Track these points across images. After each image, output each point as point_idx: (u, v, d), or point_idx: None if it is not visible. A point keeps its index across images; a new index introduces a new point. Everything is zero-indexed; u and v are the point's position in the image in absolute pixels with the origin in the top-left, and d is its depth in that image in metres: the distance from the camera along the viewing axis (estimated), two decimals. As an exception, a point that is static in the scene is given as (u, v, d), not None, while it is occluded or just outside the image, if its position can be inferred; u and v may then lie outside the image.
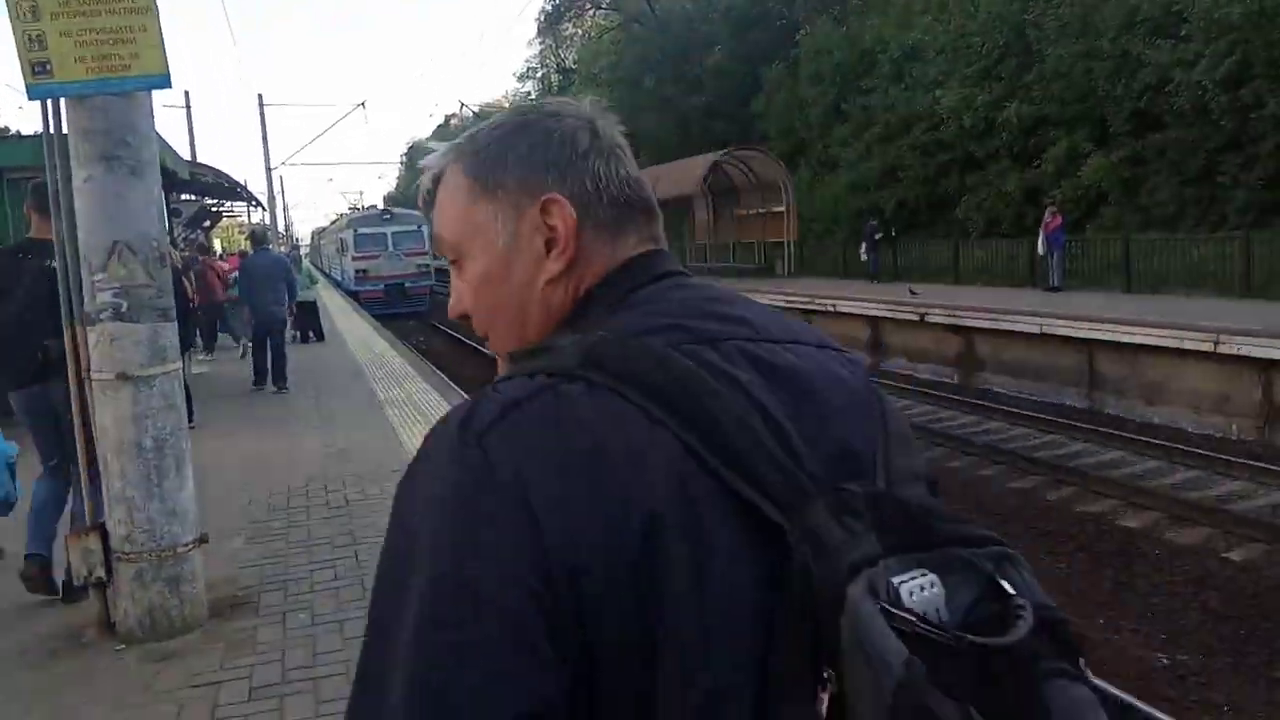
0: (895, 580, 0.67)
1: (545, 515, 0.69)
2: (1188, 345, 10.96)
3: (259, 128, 37.62)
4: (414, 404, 9.90)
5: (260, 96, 36.72)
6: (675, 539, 0.70)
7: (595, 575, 0.69)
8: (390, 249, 29.70)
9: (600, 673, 0.70)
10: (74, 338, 4.33)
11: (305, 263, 19.46)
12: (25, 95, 3.99)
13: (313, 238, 61.65)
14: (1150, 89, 18.54)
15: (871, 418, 0.85)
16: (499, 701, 0.66)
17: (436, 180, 0.93)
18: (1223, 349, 10.56)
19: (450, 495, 0.71)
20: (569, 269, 0.86)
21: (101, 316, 4.13)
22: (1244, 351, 10.37)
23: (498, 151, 0.88)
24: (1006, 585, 0.71)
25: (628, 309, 0.84)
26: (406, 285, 29.75)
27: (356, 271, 29.97)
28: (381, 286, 29.36)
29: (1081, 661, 0.71)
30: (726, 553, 0.71)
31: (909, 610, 0.66)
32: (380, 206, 42.46)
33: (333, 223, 44.01)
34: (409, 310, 28.96)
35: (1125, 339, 11.89)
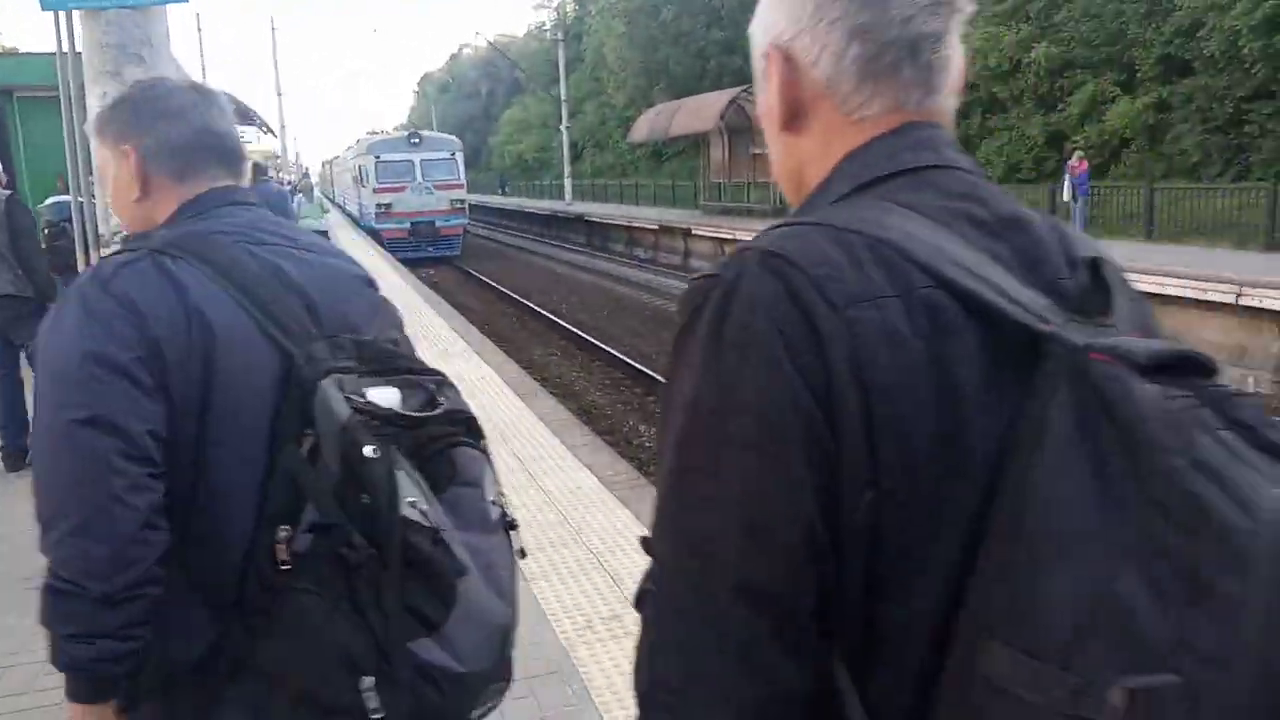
0: (366, 387, 1.24)
1: (146, 310, 1.21)
2: (1210, 296, 10.83)
3: (270, 53, 37.02)
4: (428, 335, 9.87)
5: (272, 20, 36.15)
6: (228, 343, 1.24)
7: (173, 350, 1.21)
8: (418, 179, 25.04)
9: (173, 421, 1.20)
10: (88, 261, 4.27)
11: (315, 192, 19.13)
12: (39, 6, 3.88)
13: (324, 167, 59.52)
14: (1181, 33, 18.08)
15: (371, 304, 1.46)
16: (136, 422, 1.16)
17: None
18: (1245, 301, 10.44)
19: (89, 311, 1.21)
20: (145, 194, 1.40)
21: (117, 239, 4.07)
22: (1267, 304, 10.24)
23: (108, 114, 1.43)
24: (440, 398, 1.33)
25: (208, 219, 1.36)
26: (437, 224, 25.23)
27: (378, 206, 25.14)
28: (407, 225, 24.83)
29: (483, 442, 1.36)
30: (257, 358, 1.25)
31: (369, 400, 1.22)
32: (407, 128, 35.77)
33: (348, 148, 37.69)
34: (439, 254, 24.96)
35: (1146, 288, 11.70)
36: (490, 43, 54.45)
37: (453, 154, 26.00)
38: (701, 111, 25.71)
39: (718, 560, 0.69)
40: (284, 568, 1.19)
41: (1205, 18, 17.17)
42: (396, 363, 1.33)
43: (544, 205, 40.73)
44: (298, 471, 1.21)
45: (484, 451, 1.35)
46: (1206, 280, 11.00)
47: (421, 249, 24.70)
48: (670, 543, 0.74)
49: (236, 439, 1.23)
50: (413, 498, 1.17)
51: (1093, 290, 0.76)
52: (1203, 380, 0.65)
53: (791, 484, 0.68)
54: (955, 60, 0.83)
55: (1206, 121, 17.80)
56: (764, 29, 0.87)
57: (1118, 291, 0.77)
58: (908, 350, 0.68)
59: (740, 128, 26.54)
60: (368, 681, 1.15)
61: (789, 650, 0.69)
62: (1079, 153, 17.70)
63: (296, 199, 16.35)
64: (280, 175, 28.90)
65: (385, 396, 1.24)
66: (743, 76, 29.95)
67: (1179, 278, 11.35)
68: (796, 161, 0.87)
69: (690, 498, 0.72)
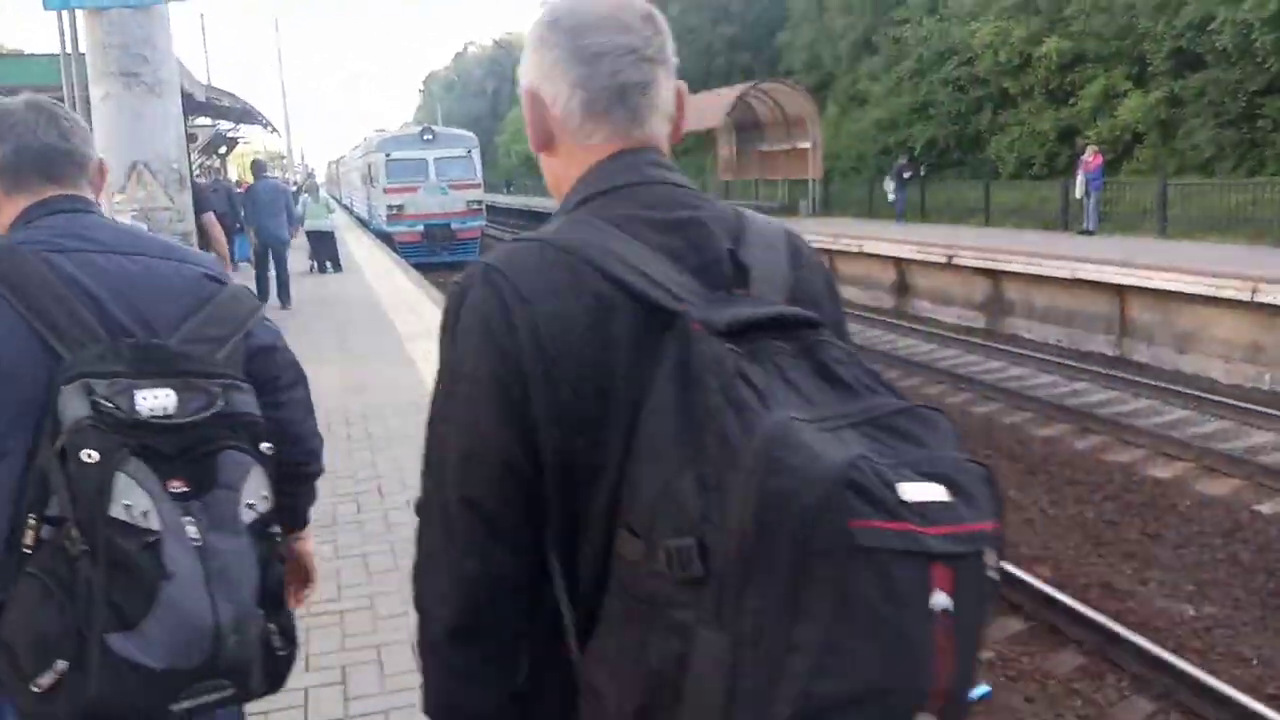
0: (137, 389, 1.34)
1: None
2: (1224, 293, 10.71)
3: (275, 53, 36.89)
4: (436, 337, 9.80)
5: (276, 21, 35.98)
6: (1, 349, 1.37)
7: None
8: (432, 178, 23.19)
9: None
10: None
11: (321, 191, 18.86)
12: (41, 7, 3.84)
13: (330, 167, 59.16)
14: (1193, 26, 17.94)
15: (188, 303, 1.52)
16: None
17: None
18: (1260, 297, 10.32)
19: None
20: None
21: (121, 241, 4.02)
22: (1282, 300, 10.11)
23: None
24: (221, 402, 1.41)
25: (26, 229, 1.50)
26: (453, 226, 23.26)
27: (389, 208, 23.38)
28: (420, 227, 22.98)
29: (265, 446, 1.45)
30: (26, 362, 1.37)
31: (120, 404, 1.32)
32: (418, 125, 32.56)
33: (355, 146, 35.25)
34: (455, 259, 22.57)
35: (1160, 285, 11.63)
36: (495, 41, 54.40)
37: (469, 151, 24.09)
38: (708, 109, 25.57)
39: (448, 480, 1.01)
40: (25, 550, 1.33)
41: (1216, 11, 17.02)
42: (180, 365, 1.42)
43: (551, 204, 40.37)
44: (49, 468, 1.33)
45: (254, 455, 1.43)
46: (1222, 276, 10.88)
47: (436, 254, 22.78)
48: (424, 470, 1.05)
49: (5, 434, 1.38)
50: (129, 501, 1.28)
51: (736, 271, 1.03)
52: (809, 332, 0.95)
53: (491, 426, 0.98)
54: (664, 96, 1.11)
55: (1219, 116, 17.65)
56: (523, 73, 1.13)
57: (770, 268, 1.05)
58: (577, 328, 0.97)
59: (747, 125, 26.44)
60: (61, 665, 1.28)
61: (500, 540, 0.99)
62: (1092, 147, 17.53)
63: (302, 199, 16.33)
64: (286, 175, 28.81)
65: (156, 399, 1.36)
66: (750, 73, 29.88)
67: (1194, 274, 11.23)
68: (555, 177, 1.17)
69: (433, 439, 1.04)
